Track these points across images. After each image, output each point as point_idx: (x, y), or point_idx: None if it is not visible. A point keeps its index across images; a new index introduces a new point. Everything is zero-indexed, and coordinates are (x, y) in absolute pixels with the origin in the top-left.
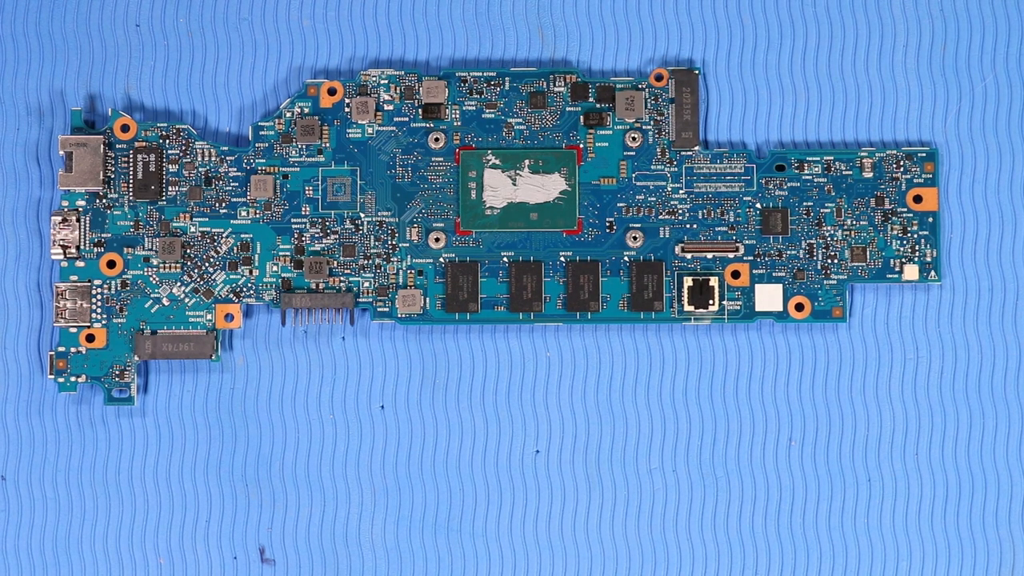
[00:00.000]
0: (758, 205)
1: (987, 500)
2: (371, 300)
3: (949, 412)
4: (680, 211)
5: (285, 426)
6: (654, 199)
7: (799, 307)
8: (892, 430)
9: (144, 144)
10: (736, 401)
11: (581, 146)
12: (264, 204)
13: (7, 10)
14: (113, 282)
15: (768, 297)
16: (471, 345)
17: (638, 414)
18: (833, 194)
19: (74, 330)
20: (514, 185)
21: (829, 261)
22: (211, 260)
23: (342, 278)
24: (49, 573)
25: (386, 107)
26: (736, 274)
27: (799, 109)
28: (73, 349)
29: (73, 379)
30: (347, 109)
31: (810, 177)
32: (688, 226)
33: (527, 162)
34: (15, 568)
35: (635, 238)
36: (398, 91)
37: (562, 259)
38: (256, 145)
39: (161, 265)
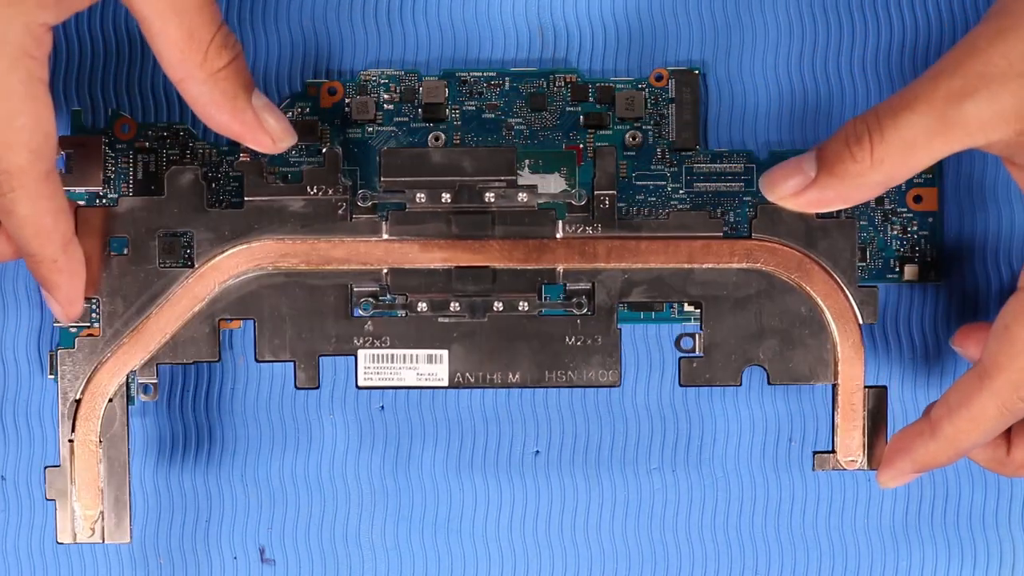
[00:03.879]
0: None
1: (987, 500)
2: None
3: None
4: (680, 211)
5: (285, 426)
6: (654, 199)
7: None
8: (891, 430)
9: (144, 144)
10: (736, 401)
11: (581, 147)
12: None
13: None
14: None
15: None
16: None
17: (638, 414)
18: None
19: (74, 330)
20: None
21: None
22: None
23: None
24: (49, 573)
25: (386, 107)
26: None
27: (799, 109)
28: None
29: None
30: (347, 109)
31: None
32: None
33: (527, 162)
34: (15, 568)
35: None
36: (398, 91)
37: None
38: None
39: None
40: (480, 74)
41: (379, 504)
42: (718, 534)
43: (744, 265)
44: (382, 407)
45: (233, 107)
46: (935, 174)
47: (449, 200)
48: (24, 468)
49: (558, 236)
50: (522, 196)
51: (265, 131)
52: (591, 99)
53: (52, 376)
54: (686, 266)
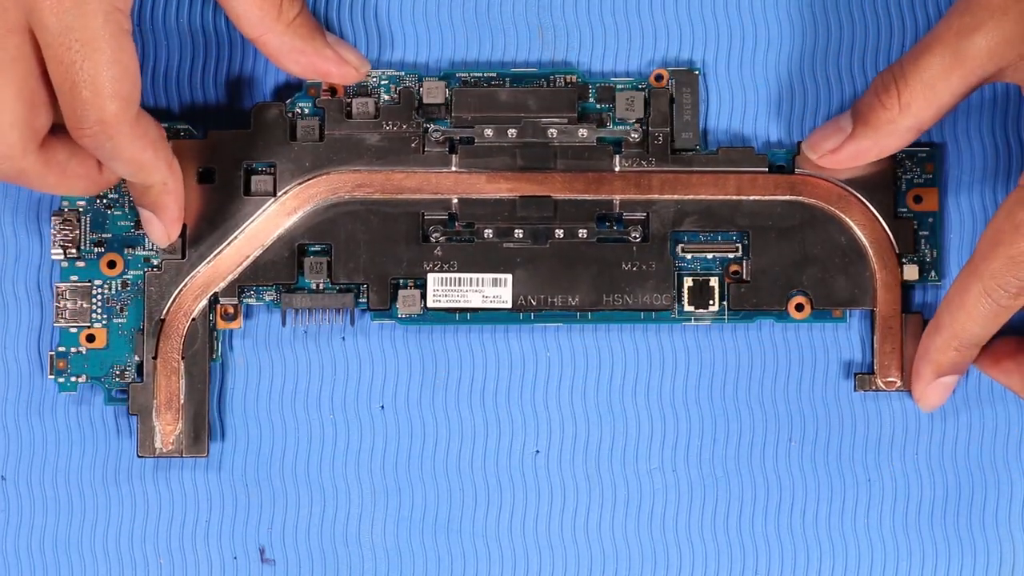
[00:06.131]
0: None
1: (987, 500)
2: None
3: (949, 412)
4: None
5: (285, 426)
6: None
7: (799, 307)
8: (892, 430)
9: None
10: (736, 401)
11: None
12: None
13: None
14: (113, 282)
15: None
16: (471, 345)
17: (638, 414)
18: None
19: (74, 330)
20: None
21: None
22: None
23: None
24: (49, 573)
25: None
26: (736, 274)
27: (799, 109)
28: (73, 349)
29: (73, 379)
30: (347, 109)
31: None
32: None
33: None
34: (15, 568)
35: (636, 238)
36: (398, 91)
37: None
38: None
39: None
40: (480, 74)
41: (379, 504)
42: (718, 534)
43: (788, 197)
44: (382, 407)
45: (315, 49)
46: (935, 174)
47: (515, 135)
48: (24, 468)
49: (616, 169)
50: (582, 132)
51: (347, 63)
52: (591, 99)
53: (52, 376)
54: (734, 198)
